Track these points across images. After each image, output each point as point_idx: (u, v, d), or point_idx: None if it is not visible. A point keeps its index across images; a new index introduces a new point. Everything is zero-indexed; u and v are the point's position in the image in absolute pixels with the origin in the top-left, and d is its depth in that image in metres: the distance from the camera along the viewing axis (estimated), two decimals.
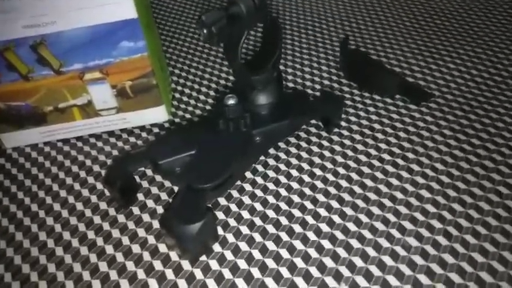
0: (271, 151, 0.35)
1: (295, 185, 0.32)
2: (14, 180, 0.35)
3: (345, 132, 0.37)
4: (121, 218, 0.31)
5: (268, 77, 0.32)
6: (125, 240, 0.29)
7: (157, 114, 0.39)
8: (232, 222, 0.30)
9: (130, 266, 0.28)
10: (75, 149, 0.38)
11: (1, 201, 0.34)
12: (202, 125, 0.33)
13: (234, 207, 0.31)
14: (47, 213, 0.32)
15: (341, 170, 0.33)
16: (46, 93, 0.35)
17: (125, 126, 0.39)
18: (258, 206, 0.31)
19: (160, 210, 0.31)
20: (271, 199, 0.31)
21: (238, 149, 0.31)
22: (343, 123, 0.38)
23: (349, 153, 0.35)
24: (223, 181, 0.29)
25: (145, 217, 0.31)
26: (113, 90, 0.36)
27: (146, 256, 0.28)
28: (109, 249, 0.29)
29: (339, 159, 0.34)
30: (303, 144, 0.36)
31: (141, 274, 0.27)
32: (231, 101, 0.31)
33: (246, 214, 0.30)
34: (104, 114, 0.38)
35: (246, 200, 0.31)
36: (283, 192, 0.32)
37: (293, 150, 0.35)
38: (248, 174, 0.33)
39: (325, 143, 0.36)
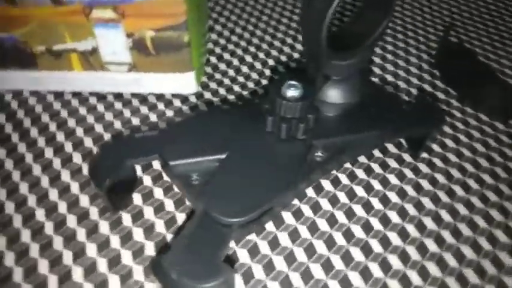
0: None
1: (356, 230, 0.22)
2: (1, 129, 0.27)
3: (436, 161, 0.26)
4: (103, 227, 0.22)
5: (357, 63, 0.21)
6: (101, 267, 0.20)
7: (183, 83, 0.29)
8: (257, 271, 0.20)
9: None
10: (68, 108, 0.28)
11: None
12: (242, 116, 0.23)
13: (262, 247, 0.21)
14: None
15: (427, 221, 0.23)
16: (38, 27, 0.25)
17: (138, 90, 0.29)
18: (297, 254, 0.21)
19: (160, 227, 0.22)
20: (319, 246, 0.21)
21: (290, 167, 0.21)
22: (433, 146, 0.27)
23: (443, 196, 0.24)
24: (260, 215, 0.19)
25: (137, 234, 0.22)
26: (128, 39, 0.26)
27: None
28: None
29: (425, 199, 0.24)
30: (376, 167, 0.25)
31: None
32: (292, 92, 0.21)
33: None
34: (112, 69, 0.28)
35: (280, 238, 0.22)
36: (336, 237, 0.22)
37: (360, 174, 0.25)
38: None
39: (407, 172, 0.25)
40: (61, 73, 0.28)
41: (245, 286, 0.20)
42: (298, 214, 0.23)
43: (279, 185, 0.20)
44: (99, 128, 0.27)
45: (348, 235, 0.22)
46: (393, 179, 0.25)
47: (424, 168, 0.25)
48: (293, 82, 0.21)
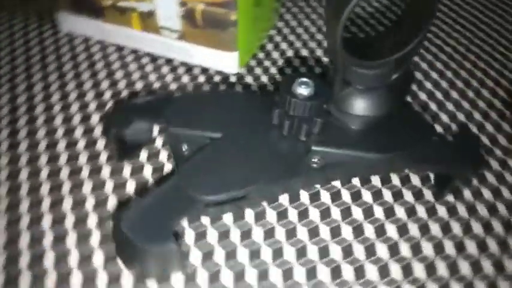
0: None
1: (332, 249, 0.20)
2: (61, 67, 0.30)
3: (461, 209, 0.23)
4: (105, 171, 0.24)
5: (381, 75, 0.20)
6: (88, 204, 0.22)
7: (225, 61, 0.29)
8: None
9: None
10: (122, 61, 0.31)
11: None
12: (255, 103, 0.22)
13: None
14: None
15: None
16: None
17: (186, 59, 0.30)
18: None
19: (149, 183, 0.23)
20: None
21: (280, 163, 0.20)
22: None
23: (447, 248, 0.21)
24: (233, 199, 0.19)
25: (130, 185, 0.23)
26: (181, 8, 0.27)
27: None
28: None
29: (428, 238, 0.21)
30: (386, 194, 0.23)
31: None
32: (302, 90, 0.20)
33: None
34: (165, 34, 0.29)
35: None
36: (309, 249, 0.20)
37: (366, 196, 0.23)
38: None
39: (420, 209, 0.22)
40: (123, 29, 0.30)
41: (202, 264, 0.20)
42: (282, 215, 0.22)
43: (261, 176, 0.19)
44: (139, 85, 0.29)
45: (323, 252, 0.20)
46: (400, 211, 0.22)
47: (442, 212, 0.22)
48: (305, 80, 0.20)
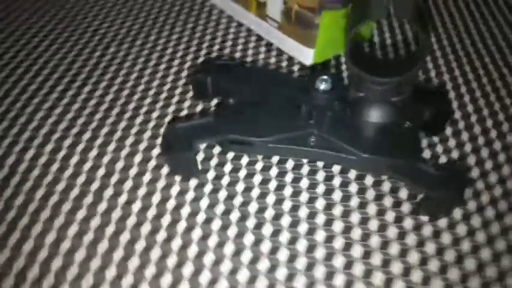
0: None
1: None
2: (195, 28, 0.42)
3: (445, 238, 0.25)
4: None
5: (384, 89, 0.24)
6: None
7: (304, 54, 0.36)
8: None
9: None
10: (234, 34, 0.40)
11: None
12: (293, 81, 0.29)
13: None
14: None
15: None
16: None
17: (280, 46, 0.38)
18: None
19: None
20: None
21: (287, 133, 0.26)
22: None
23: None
24: (243, 142, 0.27)
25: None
26: (283, 5, 0.35)
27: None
28: None
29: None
30: (371, 209, 0.27)
31: None
32: (322, 85, 0.26)
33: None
34: (269, 22, 0.37)
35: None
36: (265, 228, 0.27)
37: (354, 202, 0.27)
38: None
39: (391, 229, 0.26)
40: (244, 11, 0.40)
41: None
42: (265, 181, 0.28)
43: (268, 134, 0.26)
44: (238, 54, 0.38)
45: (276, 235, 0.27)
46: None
47: (427, 231, 0.26)
48: (325, 77, 0.26)
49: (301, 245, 0.25)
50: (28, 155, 0.29)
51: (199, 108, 0.33)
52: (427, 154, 0.30)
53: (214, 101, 0.33)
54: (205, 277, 0.23)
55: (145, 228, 0.25)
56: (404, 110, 0.25)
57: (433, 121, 0.30)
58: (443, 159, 0.30)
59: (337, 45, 0.37)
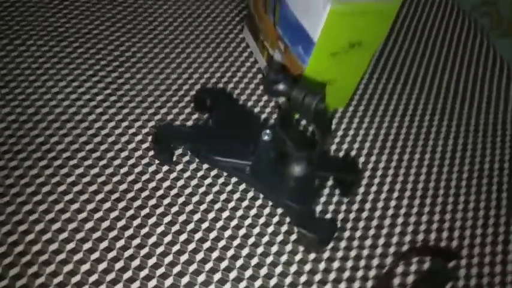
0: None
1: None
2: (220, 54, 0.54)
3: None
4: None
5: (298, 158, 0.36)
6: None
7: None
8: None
9: None
10: (250, 69, 0.52)
11: None
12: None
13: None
14: None
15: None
16: (265, 30, 0.48)
17: None
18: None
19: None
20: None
21: (235, 154, 0.38)
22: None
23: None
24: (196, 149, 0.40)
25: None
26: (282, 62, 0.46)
27: None
28: None
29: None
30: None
31: None
32: (265, 137, 0.37)
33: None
34: None
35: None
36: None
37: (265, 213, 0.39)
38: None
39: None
40: (260, 55, 0.51)
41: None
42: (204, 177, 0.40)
43: (222, 152, 0.39)
44: (241, 86, 0.50)
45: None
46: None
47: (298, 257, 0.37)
48: (268, 131, 0.37)
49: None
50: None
51: (194, 116, 0.46)
52: (330, 207, 0.41)
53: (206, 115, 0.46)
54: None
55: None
56: (312, 171, 0.36)
57: (343, 184, 0.41)
58: (340, 215, 0.41)
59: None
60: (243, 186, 0.41)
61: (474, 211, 0.44)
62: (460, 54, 0.62)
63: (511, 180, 0.48)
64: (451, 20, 0.67)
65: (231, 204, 0.39)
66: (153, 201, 0.38)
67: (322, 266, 0.37)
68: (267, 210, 0.39)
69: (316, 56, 0.40)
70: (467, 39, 0.65)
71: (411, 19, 0.65)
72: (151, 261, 0.35)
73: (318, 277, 0.37)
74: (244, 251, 0.37)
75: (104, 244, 0.35)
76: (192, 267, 0.35)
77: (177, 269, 0.35)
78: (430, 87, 0.56)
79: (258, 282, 0.35)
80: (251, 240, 0.38)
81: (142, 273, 0.34)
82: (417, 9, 0.67)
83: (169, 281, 0.34)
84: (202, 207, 0.39)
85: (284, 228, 0.39)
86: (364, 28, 0.40)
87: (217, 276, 0.35)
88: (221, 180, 0.41)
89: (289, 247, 0.38)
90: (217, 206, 0.39)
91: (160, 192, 0.39)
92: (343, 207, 0.41)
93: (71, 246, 0.35)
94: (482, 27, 0.67)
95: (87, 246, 0.35)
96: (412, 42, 0.62)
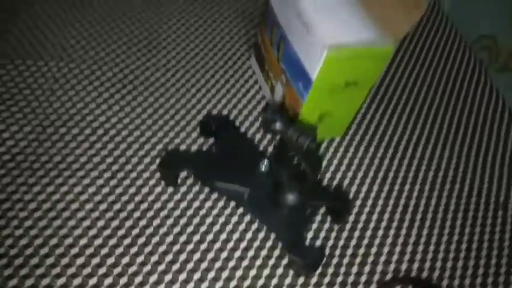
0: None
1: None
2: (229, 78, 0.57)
3: None
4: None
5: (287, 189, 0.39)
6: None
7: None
8: None
9: None
10: (255, 96, 0.55)
11: None
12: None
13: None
14: None
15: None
16: (269, 62, 0.52)
17: None
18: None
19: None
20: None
21: (235, 180, 0.42)
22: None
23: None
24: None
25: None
26: (283, 96, 0.49)
27: None
28: None
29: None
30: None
31: None
32: (262, 167, 0.41)
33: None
34: (275, 100, 0.52)
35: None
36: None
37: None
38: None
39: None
40: (264, 83, 0.54)
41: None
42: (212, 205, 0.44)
43: (222, 177, 0.42)
44: (244, 112, 0.53)
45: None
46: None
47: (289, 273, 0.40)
48: (265, 162, 0.41)
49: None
50: None
51: (200, 140, 0.49)
52: (322, 234, 0.44)
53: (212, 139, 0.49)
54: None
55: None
56: (305, 201, 0.40)
57: (334, 213, 0.44)
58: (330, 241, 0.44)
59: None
60: (240, 210, 0.44)
61: (457, 244, 0.47)
62: (457, 86, 0.65)
63: (496, 214, 0.51)
64: (451, 52, 0.70)
65: (229, 227, 0.43)
66: (157, 221, 0.42)
67: None
68: (261, 235, 0.43)
69: (313, 92, 0.44)
70: (466, 72, 0.67)
71: (412, 51, 0.68)
72: (153, 279, 0.39)
73: None
74: (238, 273, 0.40)
75: (111, 260, 0.39)
76: (190, 287, 0.39)
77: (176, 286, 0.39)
78: (426, 117, 0.59)
79: None
80: (245, 262, 0.41)
81: None
82: (418, 43, 0.70)
83: None
84: (202, 228, 0.42)
85: (276, 252, 0.42)
86: (359, 69, 0.43)
87: None
88: (221, 203, 0.44)
89: (280, 271, 0.41)
90: (215, 228, 0.42)
91: (164, 213, 0.42)
92: (333, 234, 0.44)
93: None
94: (482, 61, 0.70)
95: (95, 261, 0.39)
96: (411, 74, 0.64)
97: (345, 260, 0.43)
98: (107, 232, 0.40)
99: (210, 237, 0.42)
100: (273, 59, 0.50)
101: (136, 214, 0.42)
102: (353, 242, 0.44)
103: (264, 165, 0.41)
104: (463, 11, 0.75)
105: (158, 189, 0.44)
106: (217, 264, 0.40)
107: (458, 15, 0.76)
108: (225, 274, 0.40)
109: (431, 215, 0.49)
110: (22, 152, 0.44)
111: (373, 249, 0.44)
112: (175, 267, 0.39)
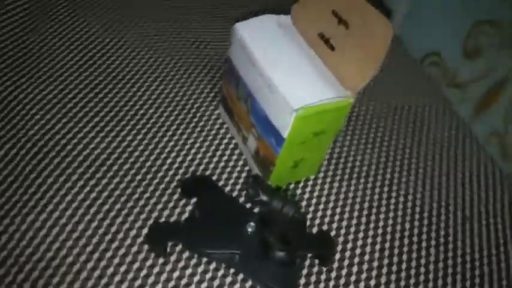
0: None
1: None
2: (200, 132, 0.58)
3: None
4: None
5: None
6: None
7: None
8: None
9: None
10: (227, 146, 0.57)
11: None
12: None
13: None
14: None
15: None
16: (239, 115, 0.54)
17: (251, 167, 0.54)
18: None
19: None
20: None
21: (223, 246, 0.43)
22: None
23: None
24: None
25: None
26: (256, 148, 0.51)
27: None
28: None
29: None
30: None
31: None
32: (249, 229, 0.42)
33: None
34: (249, 151, 0.54)
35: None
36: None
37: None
38: None
39: None
40: (236, 133, 0.56)
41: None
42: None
43: (209, 245, 0.43)
44: (221, 164, 0.55)
45: None
46: None
47: None
48: (252, 224, 0.42)
49: None
50: None
51: (182, 202, 0.50)
52: (312, 278, 0.46)
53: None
54: None
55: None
56: (293, 254, 0.42)
57: (321, 257, 0.46)
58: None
59: (286, 179, 0.54)
60: (233, 270, 0.45)
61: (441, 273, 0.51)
62: (427, 118, 0.69)
63: (481, 266, 0.55)
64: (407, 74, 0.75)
65: None
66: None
67: None
68: None
69: (286, 147, 0.46)
70: (423, 92, 0.72)
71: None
72: None
73: None
74: None
75: None
76: None
77: None
78: (396, 148, 0.63)
79: None
80: None
81: None
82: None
83: None
84: None
85: None
86: (325, 121, 0.45)
87: None
88: (213, 265, 0.45)
89: None
90: None
91: (159, 287, 0.43)
92: (323, 276, 0.47)
93: None
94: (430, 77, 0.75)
95: None
96: (375, 106, 0.68)
97: None
98: None
99: None
100: (242, 112, 0.52)
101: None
102: (342, 281, 0.47)
103: (250, 227, 0.43)
104: (412, 29, 0.80)
105: (149, 262, 0.45)
106: None
107: (407, 34, 0.81)
108: None
109: (408, 241, 0.52)
110: None
111: (362, 284, 0.47)
112: None
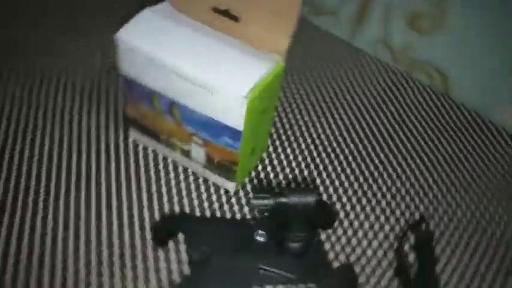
0: None
1: None
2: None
3: None
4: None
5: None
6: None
7: (228, 185, 0.48)
8: None
9: None
10: (166, 169, 0.50)
11: None
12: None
13: None
14: None
15: None
16: (167, 131, 0.46)
17: (206, 177, 0.49)
18: None
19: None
20: None
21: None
22: None
23: None
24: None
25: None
26: (206, 156, 0.46)
27: None
28: None
29: None
30: None
31: None
32: (259, 237, 0.38)
33: None
34: (194, 163, 0.48)
35: None
36: None
37: None
38: None
39: None
40: (172, 152, 0.49)
41: None
42: None
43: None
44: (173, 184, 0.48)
45: None
46: None
47: None
48: (261, 232, 0.38)
49: None
50: None
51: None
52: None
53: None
54: None
55: None
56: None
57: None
58: None
59: (247, 170, 0.50)
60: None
61: None
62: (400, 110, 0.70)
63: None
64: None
65: None
66: None
67: None
68: None
69: (244, 138, 0.42)
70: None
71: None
72: None
73: None
74: None
75: None
76: None
77: None
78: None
79: None
80: None
81: None
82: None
83: None
84: None
85: None
86: (267, 96, 0.42)
87: None
88: None
89: None
90: None
91: None
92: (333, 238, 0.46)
93: None
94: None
95: None
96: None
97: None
98: None
99: None
100: (170, 126, 0.45)
101: None
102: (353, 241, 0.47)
103: (259, 235, 0.38)
104: None
105: None
106: None
107: None
108: None
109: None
110: None
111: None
112: None
